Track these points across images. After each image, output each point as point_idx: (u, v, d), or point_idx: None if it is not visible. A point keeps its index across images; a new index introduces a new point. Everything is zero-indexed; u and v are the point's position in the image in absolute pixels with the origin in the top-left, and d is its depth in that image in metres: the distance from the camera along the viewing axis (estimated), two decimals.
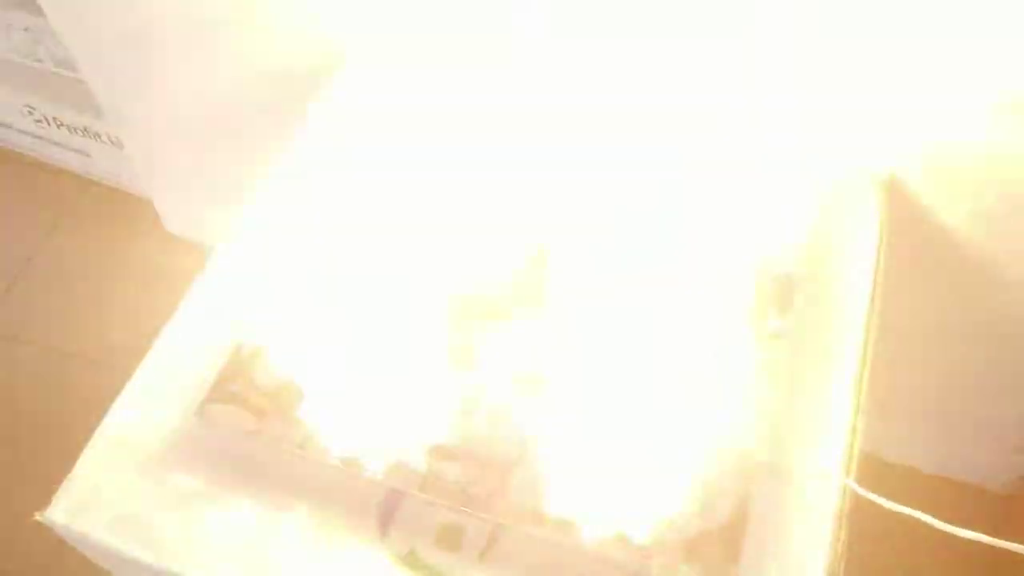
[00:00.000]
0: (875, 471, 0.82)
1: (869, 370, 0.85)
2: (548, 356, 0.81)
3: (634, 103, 0.98)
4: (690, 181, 0.93)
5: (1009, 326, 1.16)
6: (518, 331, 0.83)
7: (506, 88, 1.04)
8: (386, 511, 0.80)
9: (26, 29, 1.75)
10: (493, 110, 1.02)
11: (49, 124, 1.98)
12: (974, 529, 0.72)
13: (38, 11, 1.54)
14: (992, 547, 0.73)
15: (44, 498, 0.77)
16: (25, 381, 1.74)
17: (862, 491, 0.79)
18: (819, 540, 0.76)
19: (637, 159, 0.96)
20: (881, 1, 0.85)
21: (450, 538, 0.78)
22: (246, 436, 0.80)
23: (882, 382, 0.88)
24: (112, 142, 1.95)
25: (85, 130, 1.95)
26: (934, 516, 0.74)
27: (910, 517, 0.77)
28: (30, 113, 1.99)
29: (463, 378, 0.83)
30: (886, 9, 0.85)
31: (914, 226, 1.01)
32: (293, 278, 0.89)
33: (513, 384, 0.83)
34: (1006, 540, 0.72)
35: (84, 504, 0.77)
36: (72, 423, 0.85)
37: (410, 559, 0.76)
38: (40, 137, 2.05)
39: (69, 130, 1.97)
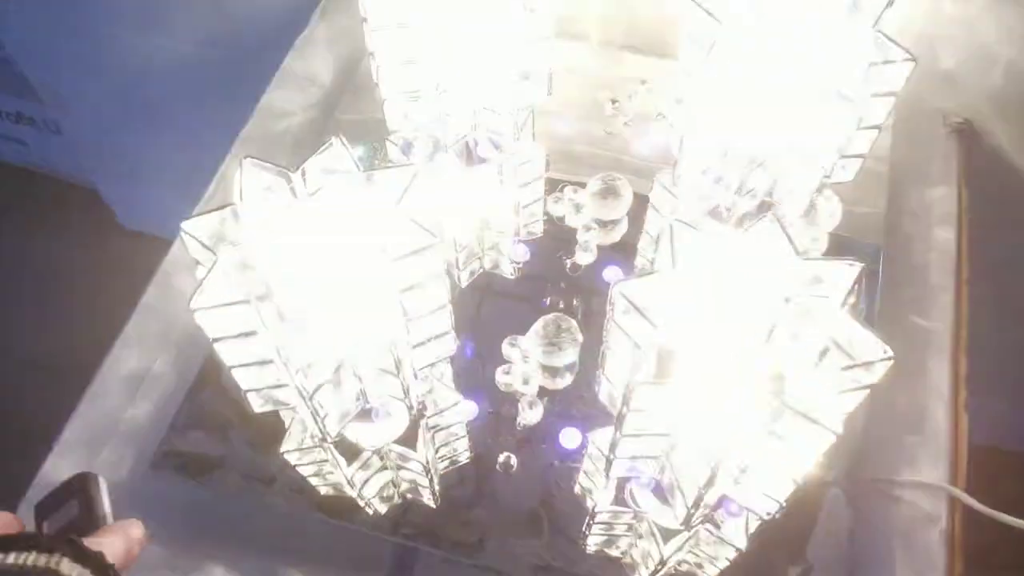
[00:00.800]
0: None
1: (966, 354, 0.71)
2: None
3: None
4: None
5: None
6: None
7: None
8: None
9: None
10: None
11: None
12: None
13: None
14: None
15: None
16: None
17: (973, 502, 0.65)
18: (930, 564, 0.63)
19: None
20: None
21: None
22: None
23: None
24: (51, 129, 1.75)
25: (19, 116, 1.75)
26: None
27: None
28: None
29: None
30: None
31: (997, 186, 0.87)
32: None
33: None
34: None
35: None
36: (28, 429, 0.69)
37: None
38: None
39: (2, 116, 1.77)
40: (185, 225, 0.48)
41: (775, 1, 0.58)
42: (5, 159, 1.83)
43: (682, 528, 0.58)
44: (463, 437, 0.70)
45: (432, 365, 0.62)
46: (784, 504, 0.50)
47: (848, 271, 0.46)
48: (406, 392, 0.54)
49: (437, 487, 0.70)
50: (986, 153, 0.85)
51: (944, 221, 0.77)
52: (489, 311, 0.81)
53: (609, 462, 0.52)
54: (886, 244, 0.75)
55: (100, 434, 0.68)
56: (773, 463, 0.47)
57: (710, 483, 0.46)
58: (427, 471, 0.65)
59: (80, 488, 0.58)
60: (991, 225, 0.82)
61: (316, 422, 0.54)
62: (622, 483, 0.61)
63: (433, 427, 0.67)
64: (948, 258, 0.75)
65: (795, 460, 0.45)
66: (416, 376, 0.60)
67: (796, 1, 0.58)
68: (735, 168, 0.62)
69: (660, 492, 0.59)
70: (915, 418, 0.68)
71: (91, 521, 0.56)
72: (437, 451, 0.70)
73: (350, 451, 0.64)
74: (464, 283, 0.84)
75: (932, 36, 0.78)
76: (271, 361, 0.50)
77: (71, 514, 0.56)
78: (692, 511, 0.50)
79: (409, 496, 0.71)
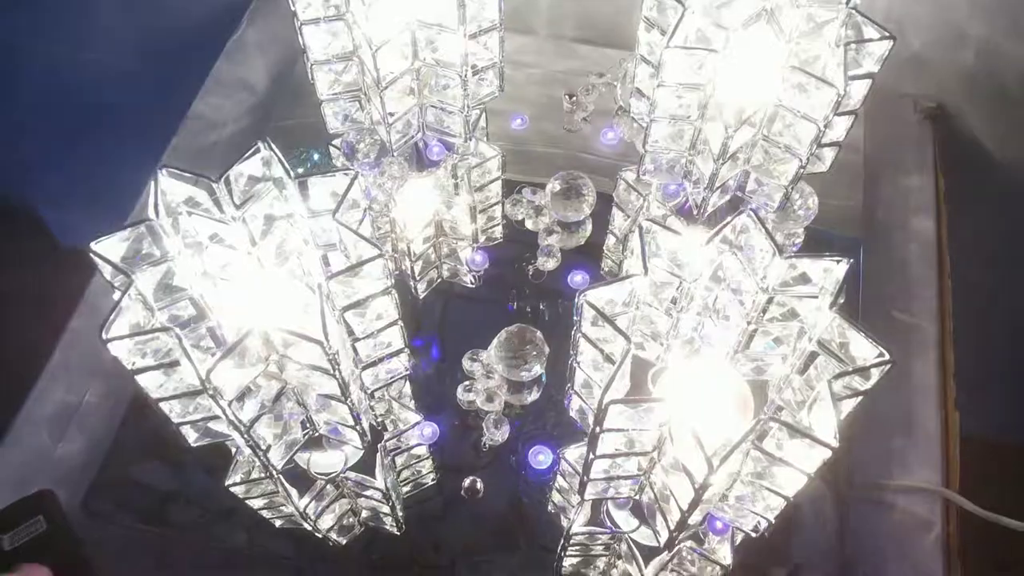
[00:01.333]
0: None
1: (952, 347, 0.68)
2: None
3: None
4: None
5: None
6: None
7: None
8: None
9: None
10: None
11: None
12: None
13: None
14: None
15: None
16: None
17: (969, 504, 0.61)
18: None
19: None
20: None
21: None
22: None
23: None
24: None
25: None
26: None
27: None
28: None
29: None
30: None
31: (972, 171, 0.84)
32: None
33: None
34: None
35: None
36: None
37: None
38: None
39: None
40: (94, 246, 0.43)
41: None
42: None
43: (663, 549, 0.53)
44: (427, 458, 0.65)
45: (387, 385, 0.57)
46: (773, 521, 0.46)
47: (836, 269, 0.42)
48: (356, 419, 0.48)
49: (400, 513, 0.65)
50: (960, 137, 0.82)
51: (922, 211, 0.74)
52: (451, 321, 0.76)
53: (583, 483, 0.47)
54: (864, 237, 0.71)
55: (28, 475, 0.62)
56: (764, 481, 0.42)
57: (694, 505, 0.42)
58: (387, 498, 0.60)
59: (45, 506, 0.56)
60: (968, 211, 0.79)
61: (258, 456, 0.48)
62: (598, 502, 0.57)
63: (393, 450, 0.62)
64: (928, 250, 0.72)
65: (787, 478, 0.41)
66: (371, 397, 0.55)
67: None
68: (704, 162, 0.57)
69: (639, 511, 0.54)
70: (903, 419, 0.64)
71: (63, 537, 0.55)
72: (399, 474, 0.65)
73: (303, 480, 0.59)
74: (421, 295, 0.79)
75: (898, 17, 0.75)
76: (201, 391, 0.45)
77: (37, 529, 0.54)
78: (675, 534, 0.46)
79: (371, 524, 0.66)
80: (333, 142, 0.69)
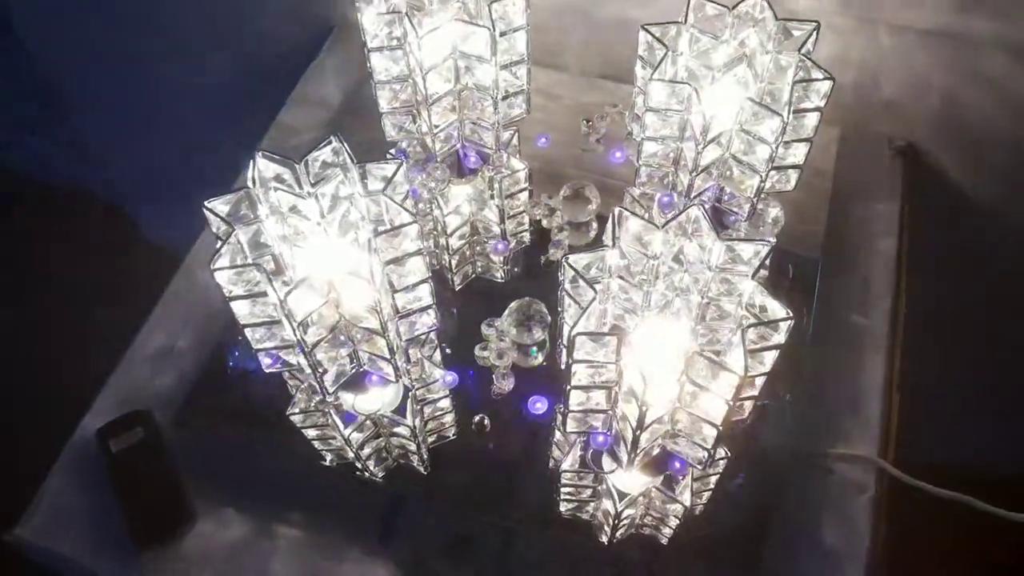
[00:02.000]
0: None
1: (901, 350, 0.79)
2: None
3: None
4: None
5: None
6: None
7: None
8: (388, 519, 0.73)
9: None
10: None
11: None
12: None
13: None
14: None
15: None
16: None
17: (899, 473, 0.73)
18: (856, 528, 0.71)
19: None
20: None
21: (460, 546, 0.72)
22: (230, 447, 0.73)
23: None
24: (77, 144, 1.87)
25: (42, 130, 1.85)
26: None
27: (951, 503, 0.71)
28: None
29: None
30: None
31: (935, 193, 0.96)
32: None
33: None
34: None
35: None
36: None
37: (418, 570, 0.70)
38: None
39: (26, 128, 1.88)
40: (207, 203, 0.58)
41: (712, 35, 0.68)
42: (33, 174, 1.96)
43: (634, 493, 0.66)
44: (450, 412, 0.79)
45: (420, 340, 0.71)
46: (712, 452, 0.58)
47: (760, 248, 0.55)
48: (392, 352, 0.62)
49: (426, 456, 0.78)
50: (929, 174, 0.94)
51: (887, 233, 0.86)
52: (478, 299, 0.90)
53: (565, 416, 0.60)
54: (830, 253, 0.83)
55: (130, 398, 0.77)
56: (696, 410, 0.55)
57: (640, 424, 0.55)
58: (414, 436, 0.74)
59: (143, 420, 0.71)
60: (931, 237, 0.90)
61: (315, 377, 0.63)
62: (585, 452, 0.69)
63: (421, 400, 0.76)
64: (889, 266, 0.83)
65: (712, 404, 0.54)
66: (405, 346, 0.69)
67: (733, 31, 0.68)
68: (683, 174, 0.71)
69: (613, 454, 0.67)
70: (851, 404, 0.76)
71: (156, 446, 0.70)
72: (426, 424, 0.79)
73: (349, 418, 0.73)
74: (458, 286, 0.93)
75: (873, 67, 0.88)
76: (278, 321, 0.59)
77: (137, 436, 0.69)
78: (632, 454, 0.58)
79: (402, 461, 0.80)
80: (391, 149, 0.84)
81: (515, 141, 0.86)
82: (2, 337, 1.77)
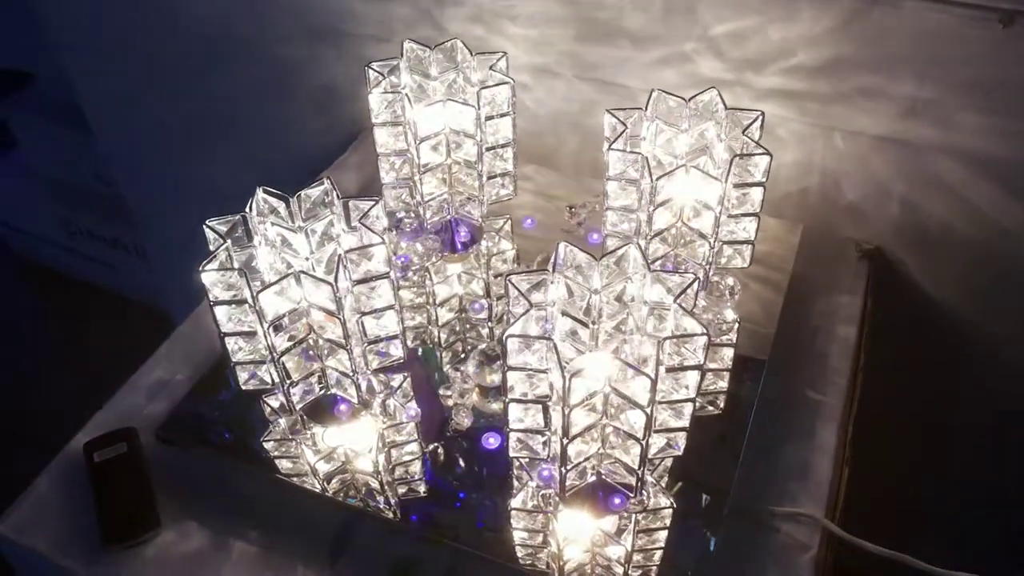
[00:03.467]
0: None
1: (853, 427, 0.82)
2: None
3: None
4: None
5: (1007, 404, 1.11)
6: None
7: None
8: (339, 540, 0.77)
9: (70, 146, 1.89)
10: None
11: (81, 236, 2.09)
12: None
13: (85, 128, 1.67)
14: None
15: None
16: None
17: (841, 532, 0.74)
18: None
19: None
20: None
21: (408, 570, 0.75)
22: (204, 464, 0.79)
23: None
24: (137, 253, 2.03)
25: (115, 242, 2.04)
26: None
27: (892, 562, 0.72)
28: (64, 226, 2.10)
29: None
30: None
31: (900, 300, 1.01)
32: None
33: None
34: None
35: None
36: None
37: None
38: (70, 249, 2.15)
39: (100, 241, 2.06)
40: (208, 223, 0.67)
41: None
42: (95, 280, 2.12)
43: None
44: (418, 458, 0.83)
45: (386, 371, 0.77)
46: (640, 475, 0.62)
47: (685, 279, 0.61)
48: (355, 371, 0.69)
49: (393, 501, 0.82)
50: (892, 273, 0.99)
51: (848, 322, 0.91)
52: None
53: (507, 435, 0.65)
54: (787, 331, 0.88)
55: (122, 419, 0.85)
56: (621, 423, 0.60)
57: (567, 431, 0.59)
58: (376, 474, 0.78)
59: (128, 437, 0.77)
60: (891, 330, 0.95)
61: (283, 390, 0.69)
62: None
63: (389, 442, 0.81)
64: (847, 350, 0.87)
65: (636, 419, 0.58)
66: (369, 377, 0.75)
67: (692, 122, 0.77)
68: (643, 241, 0.78)
69: (551, 483, 0.70)
70: (800, 469, 0.78)
71: (136, 459, 0.75)
72: (393, 470, 0.83)
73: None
74: (445, 367, 0.99)
75: (835, 171, 0.96)
76: (254, 333, 0.67)
77: (120, 451, 0.74)
78: (563, 468, 0.62)
79: (371, 502, 0.83)
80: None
81: (507, 227, 0.95)
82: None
